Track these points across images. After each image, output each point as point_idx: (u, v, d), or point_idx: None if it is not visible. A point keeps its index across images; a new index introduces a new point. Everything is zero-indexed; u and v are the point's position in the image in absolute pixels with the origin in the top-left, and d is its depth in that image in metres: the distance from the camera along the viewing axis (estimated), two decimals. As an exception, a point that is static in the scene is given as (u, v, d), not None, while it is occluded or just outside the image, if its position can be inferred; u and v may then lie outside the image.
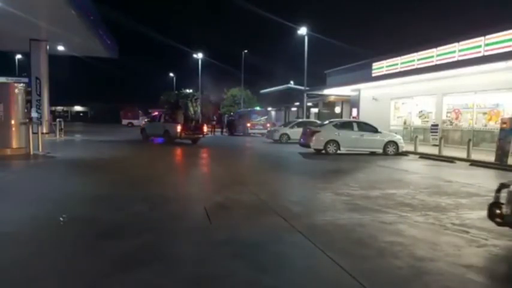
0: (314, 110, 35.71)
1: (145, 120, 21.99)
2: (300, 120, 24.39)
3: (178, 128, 17.83)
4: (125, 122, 50.27)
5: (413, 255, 3.64)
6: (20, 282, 2.93)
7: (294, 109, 40.87)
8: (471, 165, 11.37)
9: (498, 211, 3.85)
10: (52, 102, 23.83)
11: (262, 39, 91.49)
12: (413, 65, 19.66)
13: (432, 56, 18.56)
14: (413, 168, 10.67)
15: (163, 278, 3.00)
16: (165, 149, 16.20)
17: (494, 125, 15.43)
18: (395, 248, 3.83)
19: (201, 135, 19.02)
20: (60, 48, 22.20)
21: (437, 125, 17.67)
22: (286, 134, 21.27)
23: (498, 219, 3.86)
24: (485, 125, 16.37)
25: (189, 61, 51.49)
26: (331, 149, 13.86)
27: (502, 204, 3.86)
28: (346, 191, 6.82)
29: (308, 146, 14.42)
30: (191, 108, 18.85)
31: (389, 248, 3.83)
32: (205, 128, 19.43)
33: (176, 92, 59.51)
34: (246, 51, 42.71)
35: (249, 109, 33.48)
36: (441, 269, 3.33)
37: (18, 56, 37.69)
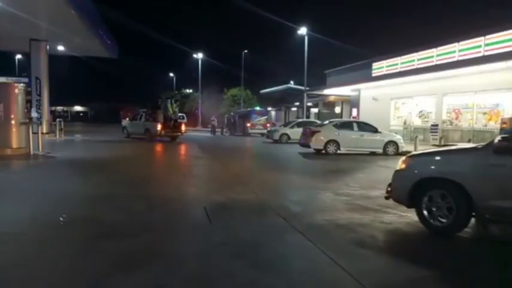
0: (314, 110, 35.73)
1: (127, 119, 22.98)
2: (300, 120, 24.40)
3: (159, 126, 19.14)
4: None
5: (413, 255, 3.65)
6: (20, 282, 2.93)
7: (294, 109, 40.88)
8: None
9: (389, 189, 4.93)
10: (52, 102, 23.80)
11: (262, 39, 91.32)
12: (413, 65, 19.66)
13: (432, 56, 18.57)
14: (413, 168, 10.65)
15: (163, 278, 3.00)
16: (163, 149, 16.21)
17: (494, 125, 15.43)
18: (395, 248, 3.83)
19: (179, 134, 20.30)
20: (60, 48, 22.17)
21: (437, 125, 17.67)
22: (286, 134, 21.27)
23: (386, 195, 4.97)
24: (485, 125, 16.38)
25: (189, 61, 51.55)
26: (331, 149, 13.86)
27: None
28: (346, 191, 6.82)
29: (308, 146, 14.42)
30: (170, 109, 20.19)
31: (390, 248, 3.83)
32: (183, 127, 20.70)
33: (176, 91, 59.53)
34: (246, 51, 42.79)
35: (249, 109, 33.47)
36: (441, 269, 3.33)
37: (18, 56, 37.68)
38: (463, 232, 4.24)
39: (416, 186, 4.44)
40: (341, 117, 27.81)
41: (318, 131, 14.21)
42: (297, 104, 37.99)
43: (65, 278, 3.02)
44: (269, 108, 41.07)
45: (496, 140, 3.92)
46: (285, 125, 23.99)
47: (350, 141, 14.04)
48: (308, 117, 31.38)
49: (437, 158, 4.68)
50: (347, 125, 14.86)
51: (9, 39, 20.42)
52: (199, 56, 47.47)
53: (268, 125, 29.04)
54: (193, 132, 34.09)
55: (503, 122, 11.87)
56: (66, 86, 51.12)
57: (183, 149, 16.71)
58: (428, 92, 19.08)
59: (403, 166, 4.77)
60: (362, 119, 20.59)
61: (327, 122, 15.83)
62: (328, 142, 13.90)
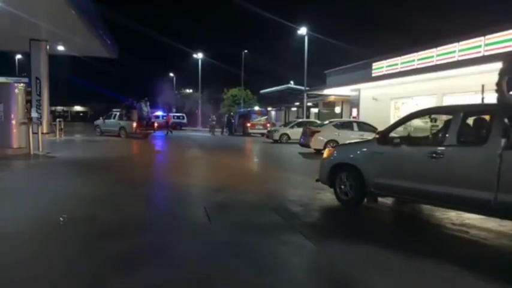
0: (314, 110, 35.69)
1: (101, 118, 24.70)
2: (300, 120, 24.39)
3: (134, 125, 21.33)
4: None
5: (415, 254, 3.65)
6: (20, 282, 2.94)
7: (294, 109, 40.84)
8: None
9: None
10: (52, 102, 23.78)
11: (262, 39, 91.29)
12: (413, 65, 19.65)
13: (432, 56, 18.55)
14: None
15: (163, 278, 3.01)
16: (161, 148, 16.23)
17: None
18: (397, 248, 3.82)
19: (151, 131, 23.19)
20: (60, 48, 22.15)
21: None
22: (286, 134, 21.26)
23: (317, 178, 6.18)
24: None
25: (189, 61, 51.46)
26: (331, 149, 13.84)
27: None
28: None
29: (308, 146, 14.41)
30: (145, 109, 22.48)
31: (391, 248, 3.83)
32: (155, 126, 23.84)
33: (176, 91, 59.34)
34: (246, 51, 42.77)
35: (249, 109, 33.47)
36: (439, 265, 3.34)
37: (18, 56, 37.65)
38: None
39: (332, 170, 5.76)
40: (341, 117, 27.77)
41: (318, 131, 14.22)
42: (297, 104, 37.95)
43: (65, 277, 3.02)
44: (269, 108, 41.06)
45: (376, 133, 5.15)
46: (285, 125, 23.98)
47: (350, 141, 14.01)
48: (308, 117, 31.35)
49: (346, 148, 6.12)
50: (347, 125, 14.85)
51: (9, 39, 20.40)
52: (199, 56, 47.47)
53: (268, 125, 29.02)
54: (192, 132, 34.12)
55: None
56: (66, 86, 51.09)
57: (182, 149, 16.71)
58: (428, 92, 19.06)
59: (325, 155, 6.11)
60: (362, 119, 20.57)
61: (327, 122, 15.84)
62: (328, 142, 13.87)
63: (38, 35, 19.35)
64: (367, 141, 5.90)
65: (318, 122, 20.47)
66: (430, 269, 3.31)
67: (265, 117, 30.78)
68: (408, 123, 5.56)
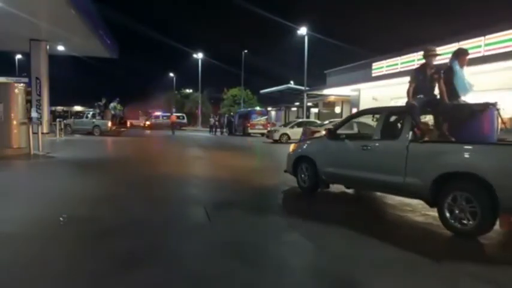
0: (314, 110, 35.70)
1: (72, 118, 26.48)
2: (300, 120, 24.40)
3: (109, 123, 22.79)
4: None
5: (414, 253, 3.65)
6: (20, 282, 2.94)
7: (294, 109, 40.84)
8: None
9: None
10: (52, 102, 23.87)
11: (262, 39, 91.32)
12: (413, 65, 19.62)
13: (432, 56, 18.54)
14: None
15: (163, 278, 3.01)
16: (161, 148, 16.22)
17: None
18: (398, 247, 3.83)
19: (124, 129, 25.09)
20: (60, 48, 22.18)
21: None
22: (286, 134, 21.26)
23: (285, 169, 6.99)
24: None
25: (189, 61, 51.45)
26: (331, 149, 13.87)
27: None
28: (346, 190, 6.82)
29: (308, 146, 14.44)
30: (117, 108, 24.19)
31: (386, 244, 3.83)
32: (128, 124, 26.16)
33: (176, 91, 59.35)
34: (246, 51, 42.79)
35: (249, 109, 33.45)
36: (436, 263, 3.34)
37: (18, 56, 37.67)
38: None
39: (295, 162, 6.57)
40: (341, 117, 27.76)
41: (318, 131, 14.23)
42: (297, 104, 37.95)
43: (66, 277, 3.02)
44: (269, 108, 41.06)
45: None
46: (285, 125, 23.99)
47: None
48: (308, 117, 31.36)
49: (306, 143, 7.07)
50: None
51: (9, 39, 20.42)
52: (199, 56, 47.49)
53: (268, 125, 29.02)
54: (192, 132, 34.13)
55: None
56: (66, 86, 51.13)
57: (182, 148, 16.70)
58: (428, 92, 19.06)
59: (291, 149, 6.97)
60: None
61: (327, 122, 15.85)
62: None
63: (38, 35, 19.36)
64: (321, 137, 6.80)
65: (318, 122, 20.48)
66: (427, 267, 3.31)
67: (265, 117, 30.78)
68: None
